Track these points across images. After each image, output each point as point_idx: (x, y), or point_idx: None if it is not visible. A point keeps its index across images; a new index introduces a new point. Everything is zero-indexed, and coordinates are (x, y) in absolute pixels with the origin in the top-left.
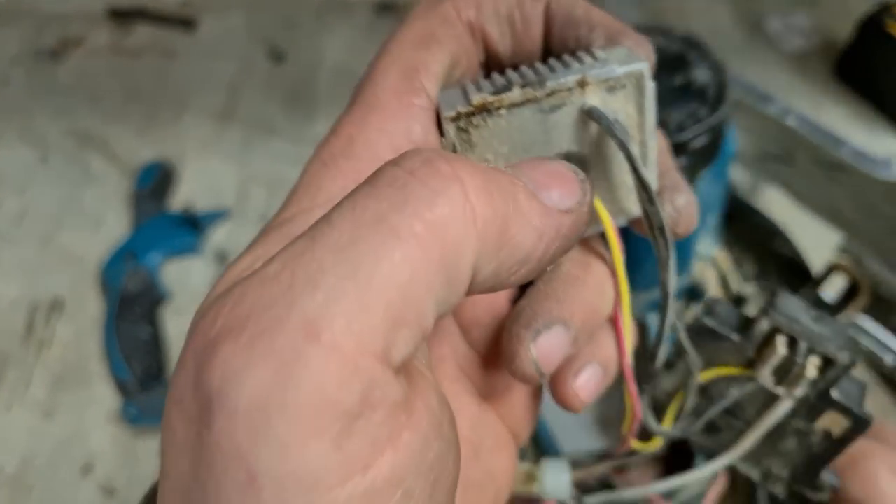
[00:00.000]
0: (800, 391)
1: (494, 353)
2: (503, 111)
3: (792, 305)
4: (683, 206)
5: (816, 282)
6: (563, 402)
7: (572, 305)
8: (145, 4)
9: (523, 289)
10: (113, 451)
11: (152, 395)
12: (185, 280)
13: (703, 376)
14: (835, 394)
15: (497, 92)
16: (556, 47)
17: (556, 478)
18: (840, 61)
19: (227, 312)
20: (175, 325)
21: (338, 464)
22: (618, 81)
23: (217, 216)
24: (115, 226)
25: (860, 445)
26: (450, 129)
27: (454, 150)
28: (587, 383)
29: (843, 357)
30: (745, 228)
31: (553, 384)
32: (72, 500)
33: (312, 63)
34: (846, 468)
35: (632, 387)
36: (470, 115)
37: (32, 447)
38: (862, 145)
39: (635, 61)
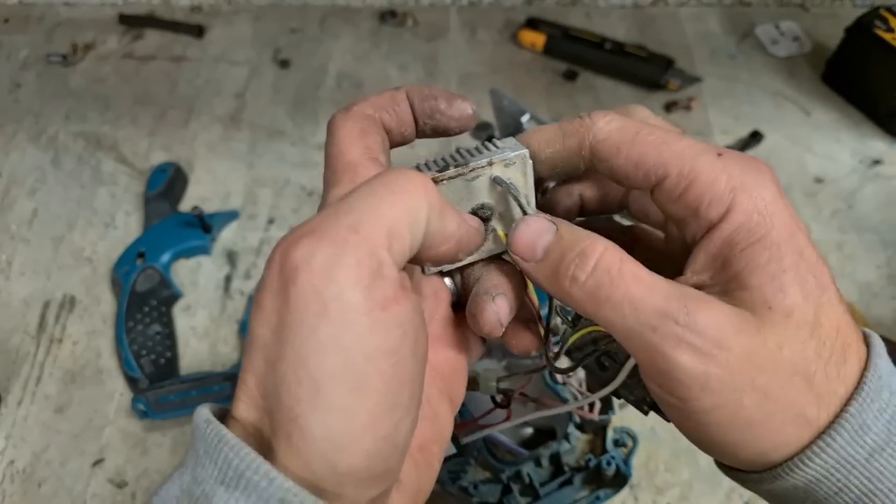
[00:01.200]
0: None
1: (443, 351)
2: (445, 181)
3: None
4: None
5: None
6: (517, 348)
7: (506, 286)
8: (155, 11)
9: (459, 305)
10: (123, 445)
11: (162, 390)
12: (195, 279)
13: (581, 333)
14: None
15: (441, 170)
16: (419, 115)
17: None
18: (829, 66)
19: (301, 229)
20: (184, 323)
21: (370, 300)
22: (511, 160)
23: (228, 217)
24: (125, 227)
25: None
26: None
27: None
28: (526, 334)
29: None
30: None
31: (508, 338)
32: (82, 493)
33: (317, 69)
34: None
35: (541, 325)
36: None
37: (44, 441)
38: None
39: (520, 148)
